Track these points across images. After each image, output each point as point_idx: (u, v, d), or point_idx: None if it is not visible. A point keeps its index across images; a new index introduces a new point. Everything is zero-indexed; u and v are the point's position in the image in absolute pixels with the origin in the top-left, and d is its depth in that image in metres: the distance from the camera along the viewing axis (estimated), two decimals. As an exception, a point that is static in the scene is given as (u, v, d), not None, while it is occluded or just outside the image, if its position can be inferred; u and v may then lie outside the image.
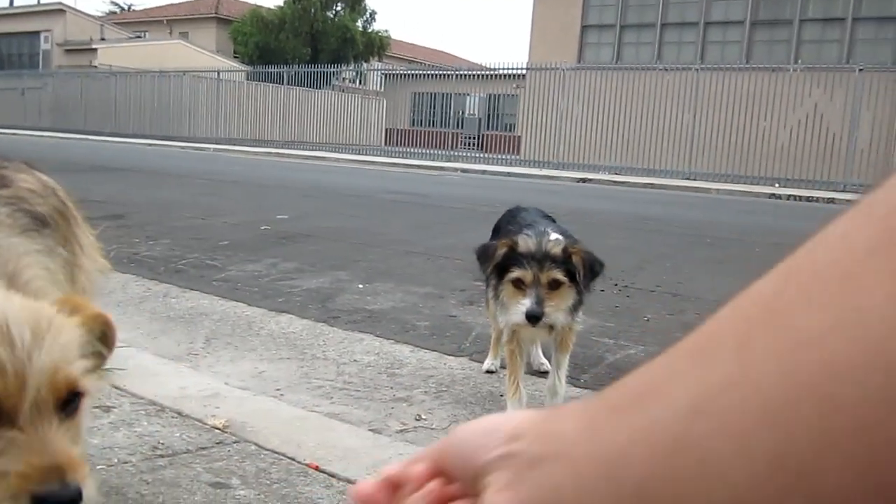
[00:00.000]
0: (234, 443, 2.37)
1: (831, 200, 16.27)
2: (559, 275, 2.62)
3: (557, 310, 2.64)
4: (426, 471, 0.49)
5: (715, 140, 21.38)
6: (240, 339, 3.89)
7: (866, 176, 19.33)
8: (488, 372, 3.50)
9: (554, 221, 3.15)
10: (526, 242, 2.67)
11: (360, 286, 5.26)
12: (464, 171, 21.26)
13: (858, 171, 19.41)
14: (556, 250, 2.65)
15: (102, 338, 1.19)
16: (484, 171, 21.02)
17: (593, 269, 2.73)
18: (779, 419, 0.28)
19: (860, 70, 19.52)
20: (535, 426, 0.42)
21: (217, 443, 2.36)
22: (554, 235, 2.73)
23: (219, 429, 2.48)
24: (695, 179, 19.91)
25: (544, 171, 21.20)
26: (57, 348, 1.04)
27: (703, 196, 16.72)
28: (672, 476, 0.31)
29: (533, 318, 2.57)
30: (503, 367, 3.28)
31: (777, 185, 19.22)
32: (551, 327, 2.72)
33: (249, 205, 9.96)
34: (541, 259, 2.61)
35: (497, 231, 3.30)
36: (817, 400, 0.27)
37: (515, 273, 2.63)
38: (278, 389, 3.19)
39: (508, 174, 20.53)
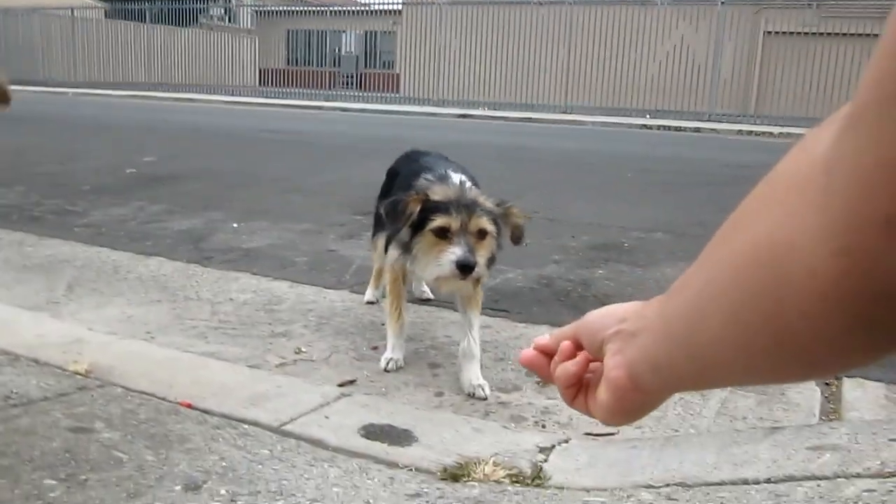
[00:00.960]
0: (99, 387, 2.24)
1: (697, 130, 17.03)
2: (488, 224, 2.38)
3: (483, 262, 2.39)
4: (570, 342, 0.71)
5: (589, 74, 21.85)
6: (105, 285, 3.67)
7: (729, 106, 20.35)
8: (369, 303, 3.45)
9: (460, 166, 2.84)
10: (445, 190, 2.44)
11: (235, 226, 5.07)
12: (343, 110, 20.81)
13: (722, 101, 20.39)
14: (485, 201, 2.44)
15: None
16: (363, 110, 20.66)
17: (522, 232, 2.56)
18: (725, 293, 0.47)
19: (722, 3, 20.29)
20: (634, 312, 0.62)
21: (79, 388, 2.22)
22: (471, 185, 2.53)
23: (81, 374, 2.33)
24: (571, 113, 20.32)
25: (424, 109, 21.06)
26: None
27: (579, 128, 17.11)
28: (694, 326, 0.51)
29: (466, 267, 2.29)
30: (384, 296, 3.17)
31: (648, 116, 19.91)
32: (477, 280, 2.51)
33: (113, 149, 9.37)
34: (469, 205, 2.37)
35: (393, 176, 3.07)
36: (738, 285, 0.45)
37: (438, 221, 2.35)
38: (149, 332, 3.04)
39: (388, 112, 20.27)
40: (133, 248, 4.35)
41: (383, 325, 3.17)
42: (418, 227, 2.40)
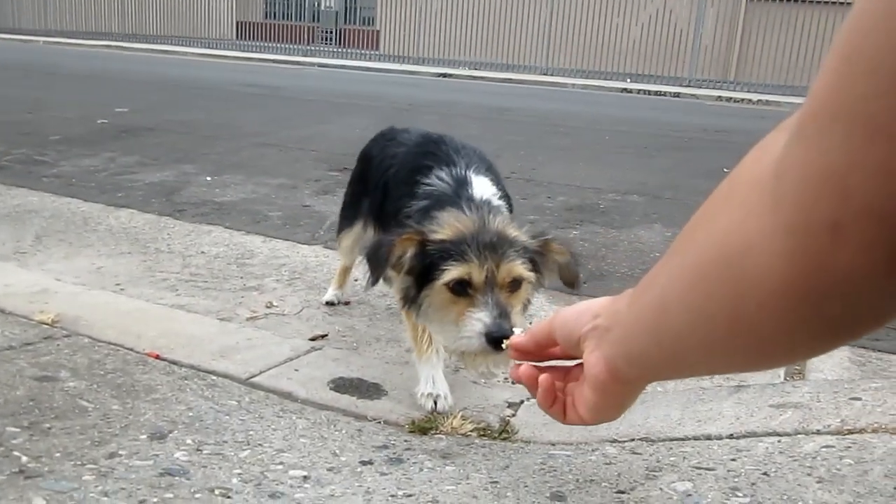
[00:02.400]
0: (65, 337, 2.21)
1: (677, 94, 17.01)
2: (523, 269, 1.71)
3: (520, 318, 1.71)
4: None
5: (571, 36, 21.65)
6: (75, 236, 3.61)
7: (710, 72, 20.32)
8: (329, 303, 2.89)
9: (468, 153, 2.13)
10: (459, 223, 1.74)
11: (209, 179, 5.00)
12: (321, 65, 20.49)
13: (702, 67, 20.34)
14: (517, 234, 1.76)
15: None
16: (342, 66, 20.36)
17: (579, 264, 1.88)
18: (689, 288, 0.50)
19: (706, -34, 20.11)
20: (606, 307, 0.66)
21: (45, 338, 2.19)
22: (497, 203, 1.87)
23: (47, 324, 2.31)
24: (552, 75, 20.18)
25: (404, 66, 20.79)
26: None
27: (559, 90, 17.02)
28: (663, 319, 0.54)
29: (499, 340, 1.48)
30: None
31: (629, 80, 19.83)
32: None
33: (85, 98, 9.17)
34: (493, 245, 1.69)
35: (367, 161, 2.53)
36: (701, 280, 0.48)
37: (454, 272, 1.67)
38: (118, 284, 3.00)
39: (367, 69, 20.00)
40: (103, 200, 4.28)
41: (357, 280, 3.15)
42: (424, 275, 1.74)
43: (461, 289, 1.67)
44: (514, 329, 1.54)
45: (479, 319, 1.61)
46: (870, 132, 0.33)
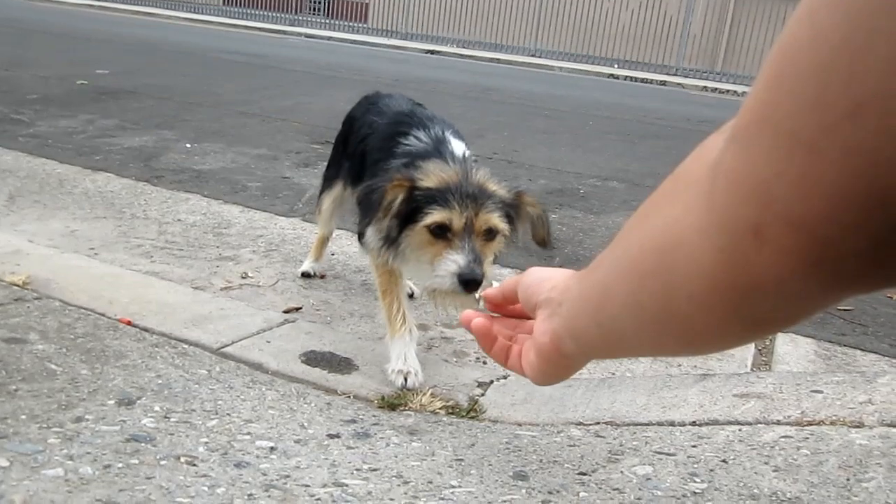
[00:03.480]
0: (36, 299, 2.19)
1: (663, 83, 17.04)
2: (500, 221, 1.84)
3: (490, 271, 1.85)
4: (514, 292, 0.83)
5: (560, 18, 21.57)
6: (49, 198, 3.57)
7: (697, 61, 20.35)
8: (304, 275, 2.89)
9: (444, 121, 2.25)
10: (443, 173, 1.86)
11: (188, 146, 4.95)
12: (308, 36, 20.25)
13: (690, 56, 20.37)
14: (496, 188, 1.89)
15: None
16: (330, 38, 20.14)
17: (549, 223, 2.01)
18: (627, 274, 0.54)
19: (697, -45, 20.07)
20: (562, 282, 0.70)
21: (15, 299, 2.17)
22: (478, 169, 1.94)
23: (18, 286, 2.28)
24: (539, 56, 20.12)
25: (392, 41, 20.61)
26: None
27: (546, 73, 16.97)
28: (603, 301, 0.58)
29: (471, 283, 1.73)
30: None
31: (616, 65, 19.81)
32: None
33: (64, 58, 9.00)
34: (473, 196, 1.82)
35: (350, 123, 2.60)
36: (637, 268, 0.52)
37: (436, 216, 1.79)
38: (92, 248, 2.98)
39: (355, 42, 19.81)
40: (80, 163, 4.22)
41: (333, 254, 3.16)
42: (407, 218, 1.86)
43: (441, 232, 1.80)
44: (484, 274, 1.76)
45: (454, 261, 1.75)
46: (792, 146, 0.36)
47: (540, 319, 0.72)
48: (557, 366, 0.71)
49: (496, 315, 0.90)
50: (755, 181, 0.38)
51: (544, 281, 0.74)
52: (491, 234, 1.85)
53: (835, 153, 0.34)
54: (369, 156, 2.29)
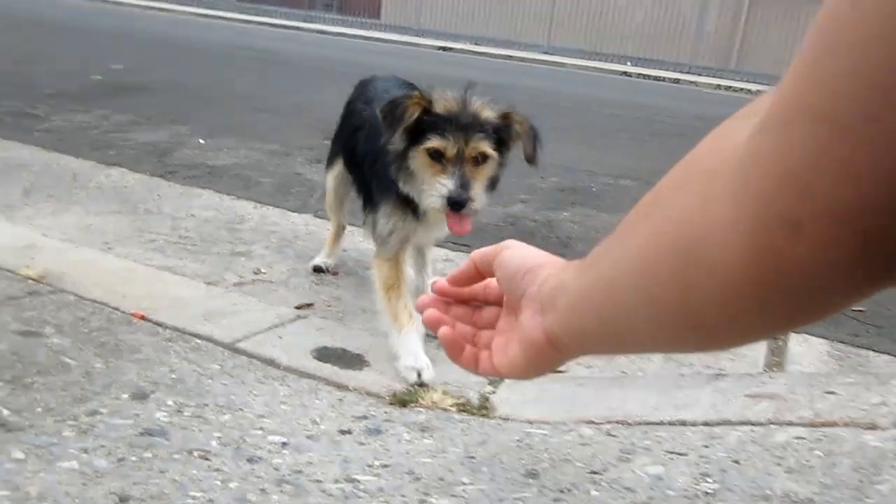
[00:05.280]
0: (51, 293, 2.21)
1: (676, 81, 16.96)
2: (488, 147, 2.08)
3: (480, 192, 2.10)
4: (488, 266, 0.73)
5: (574, 16, 21.51)
6: (64, 192, 3.60)
7: (711, 59, 20.24)
8: (316, 269, 2.91)
9: None
10: (446, 101, 2.10)
11: (202, 141, 4.97)
12: (321, 32, 20.29)
13: (704, 54, 20.26)
14: (488, 114, 2.11)
15: None
16: (342, 34, 20.17)
17: (538, 139, 2.22)
18: (640, 269, 0.50)
19: (713, -48, 19.94)
20: (554, 274, 0.65)
21: (30, 293, 2.19)
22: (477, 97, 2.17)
23: (33, 279, 2.30)
24: (552, 54, 20.06)
25: (405, 38, 20.62)
26: None
27: (559, 70, 16.93)
28: (608, 296, 0.55)
29: (457, 205, 2.03)
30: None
31: (629, 63, 19.74)
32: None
33: (79, 53, 9.06)
34: (466, 126, 2.06)
35: (348, 106, 2.79)
36: (652, 263, 0.48)
37: (433, 142, 2.06)
38: (106, 243, 3.00)
39: (367, 38, 19.82)
40: (95, 157, 4.25)
41: (346, 251, 3.16)
42: (414, 137, 2.11)
43: (437, 156, 2.07)
44: (470, 197, 2.04)
45: (444, 185, 2.05)
46: (835, 132, 0.33)
47: (529, 314, 0.67)
48: (547, 359, 0.67)
49: (448, 300, 0.78)
50: (790, 171, 0.36)
51: (532, 270, 0.67)
52: (482, 158, 2.09)
53: (880, 138, 0.32)
54: (362, 144, 2.47)
